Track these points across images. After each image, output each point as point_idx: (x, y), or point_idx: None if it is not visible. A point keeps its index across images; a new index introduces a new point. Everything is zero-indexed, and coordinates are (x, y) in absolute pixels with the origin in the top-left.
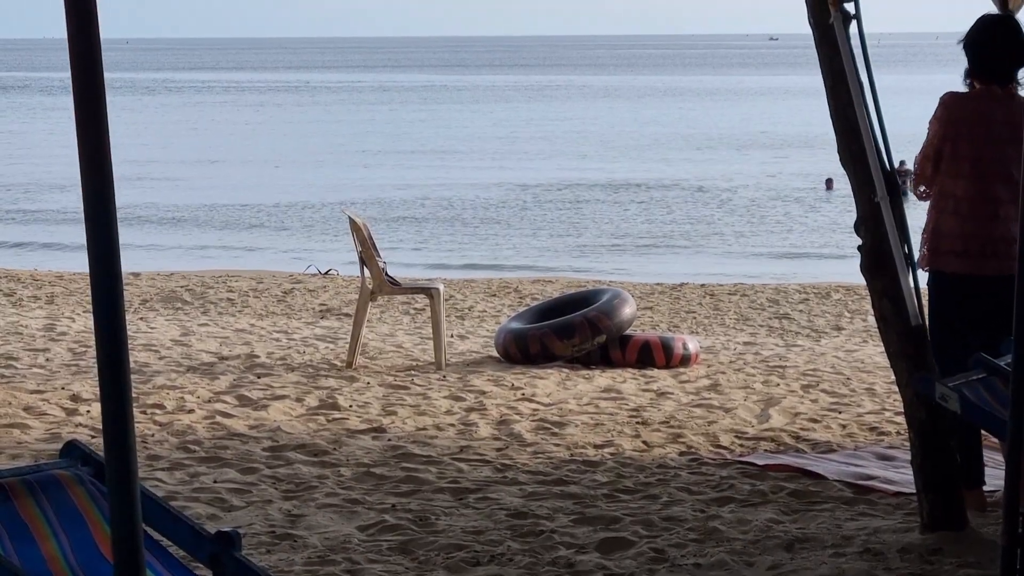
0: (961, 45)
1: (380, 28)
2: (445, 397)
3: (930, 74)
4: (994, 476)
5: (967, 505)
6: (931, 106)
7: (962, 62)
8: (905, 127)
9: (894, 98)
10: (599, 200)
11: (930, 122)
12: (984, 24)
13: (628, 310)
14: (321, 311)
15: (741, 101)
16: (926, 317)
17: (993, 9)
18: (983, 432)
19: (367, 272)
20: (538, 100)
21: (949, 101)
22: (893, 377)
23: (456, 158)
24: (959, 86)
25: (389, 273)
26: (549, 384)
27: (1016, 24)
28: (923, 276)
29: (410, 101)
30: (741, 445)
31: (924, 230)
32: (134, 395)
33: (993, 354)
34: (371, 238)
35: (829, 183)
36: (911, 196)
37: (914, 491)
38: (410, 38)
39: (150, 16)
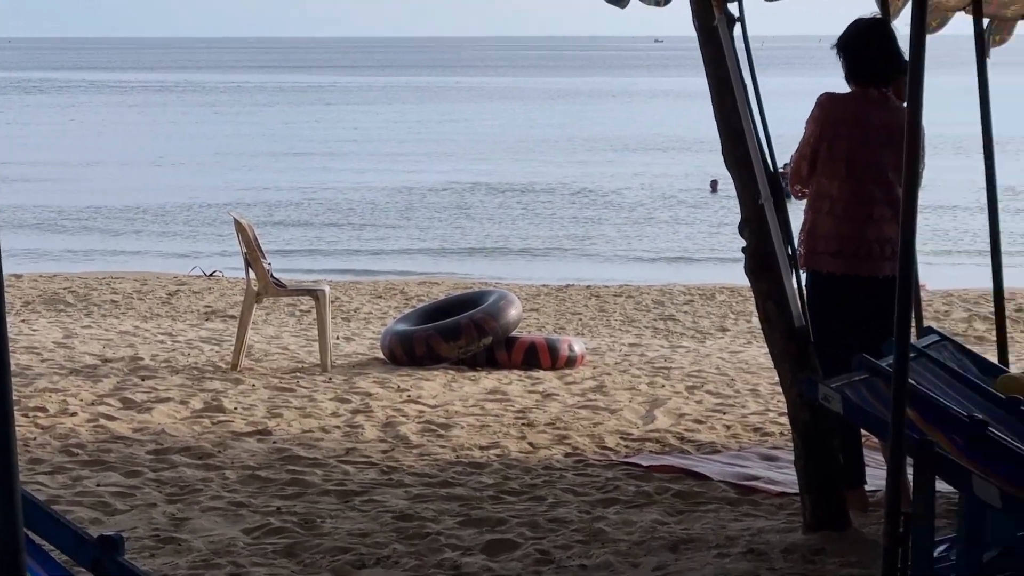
0: (835, 49)
1: (270, 28)
2: (331, 399)
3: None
4: (876, 476)
5: (849, 505)
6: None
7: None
8: (789, 129)
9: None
10: (486, 202)
11: (807, 122)
12: (858, 28)
13: (514, 312)
14: (206, 313)
15: (627, 103)
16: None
17: (876, 12)
18: (865, 433)
19: (252, 274)
20: (428, 101)
21: (826, 102)
22: (777, 378)
23: (344, 160)
24: (843, 89)
25: (274, 275)
26: (435, 386)
27: (889, 28)
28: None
29: (300, 102)
30: (626, 446)
31: (801, 230)
32: (15, 398)
33: (875, 355)
34: (256, 240)
35: (714, 185)
36: (793, 198)
37: (797, 491)
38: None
39: (34, 15)
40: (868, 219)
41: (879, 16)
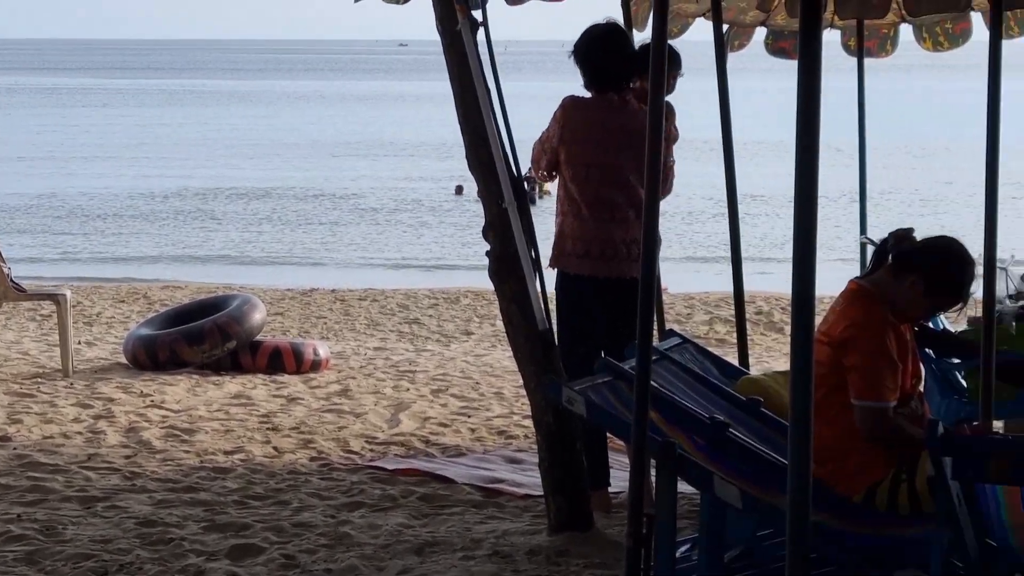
0: (572, 57)
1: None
2: (72, 405)
3: (557, 81)
4: (620, 478)
5: (593, 506)
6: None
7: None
8: (532, 134)
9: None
10: (228, 206)
11: (551, 119)
12: (592, 35)
13: (258, 316)
14: None
15: (371, 107)
16: (554, 322)
17: (611, 18)
18: (609, 435)
19: None
20: (166, 105)
21: (568, 105)
22: (521, 381)
23: (86, 164)
24: (559, 96)
25: (14, 279)
26: (179, 391)
27: (622, 33)
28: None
29: (40, 105)
30: (371, 450)
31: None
32: None
33: (619, 357)
34: None
35: (459, 189)
36: (538, 202)
37: (542, 494)
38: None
39: None
40: (611, 221)
41: (613, 21)
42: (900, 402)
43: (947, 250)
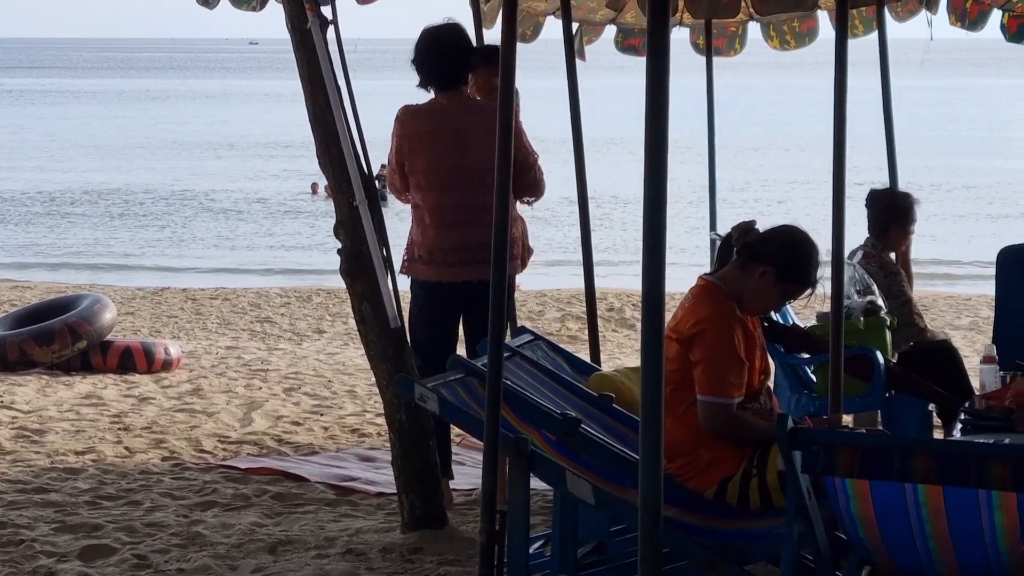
0: (412, 64)
1: None
2: None
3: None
4: (473, 475)
5: None
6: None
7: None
8: (383, 132)
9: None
10: (77, 206)
11: (391, 136)
12: (423, 38)
13: (109, 315)
14: None
15: (223, 105)
16: (406, 319)
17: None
18: (462, 432)
19: None
20: (13, 104)
21: (401, 116)
22: (374, 379)
23: None
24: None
25: None
26: (29, 391)
27: (455, 29)
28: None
29: None
30: (224, 449)
31: None
32: None
33: (472, 355)
34: None
35: (314, 187)
36: (391, 200)
37: (395, 491)
38: None
39: None
40: (454, 225)
41: (447, 21)
42: (748, 397)
43: (791, 237)
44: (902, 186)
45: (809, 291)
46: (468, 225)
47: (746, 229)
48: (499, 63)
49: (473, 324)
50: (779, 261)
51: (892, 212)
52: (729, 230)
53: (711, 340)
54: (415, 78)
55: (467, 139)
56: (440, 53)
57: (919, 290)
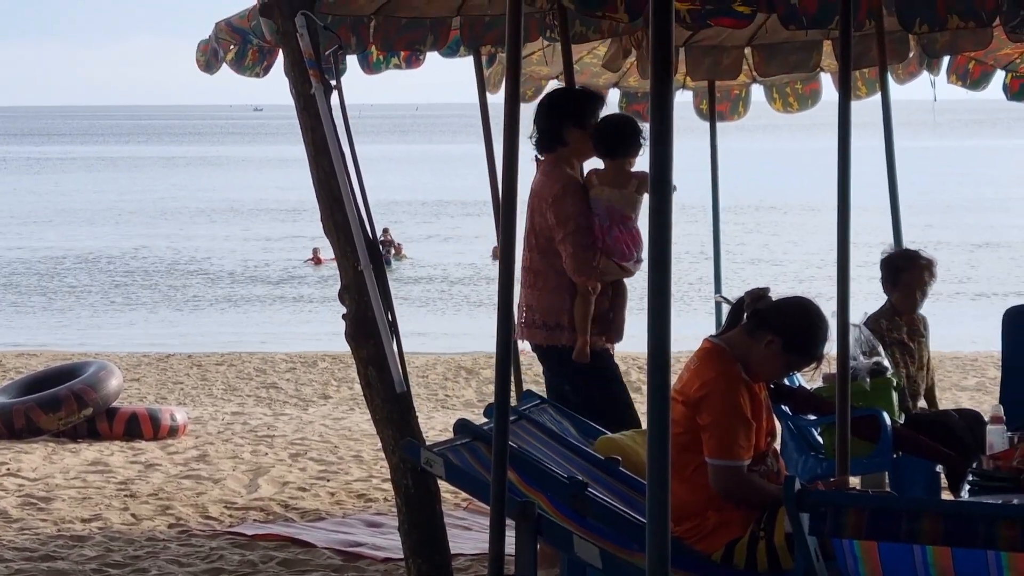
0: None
1: None
2: None
3: (410, 144)
4: (480, 539)
5: None
6: (413, 175)
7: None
8: (387, 196)
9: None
10: (79, 272)
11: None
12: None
13: (115, 382)
14: None
15: (227, 170)
16: (411, 384)
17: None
18: (469, 496)
19: None
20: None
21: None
22: (380, 444)
23: None
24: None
25: None
26: (35, 458)
27: (555, 95)
28: None
29: None
30: (231, 515)
31: None
32: None
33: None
34: None
35: (315, 252)
36: (394, 264)
37: (402, 556)
38: None
39: None
40: (529, 286)
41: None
42: (755, 460)
43: (802, 309)
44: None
45: (814, 365)
46: (531, 288)
47: (759, 295)
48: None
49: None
50: (788, 333)
51: (888, 272)
52: (742, 295)
53: (717, 403)
54: (417, 143)
55: (537, 202)
56: (537, 118)
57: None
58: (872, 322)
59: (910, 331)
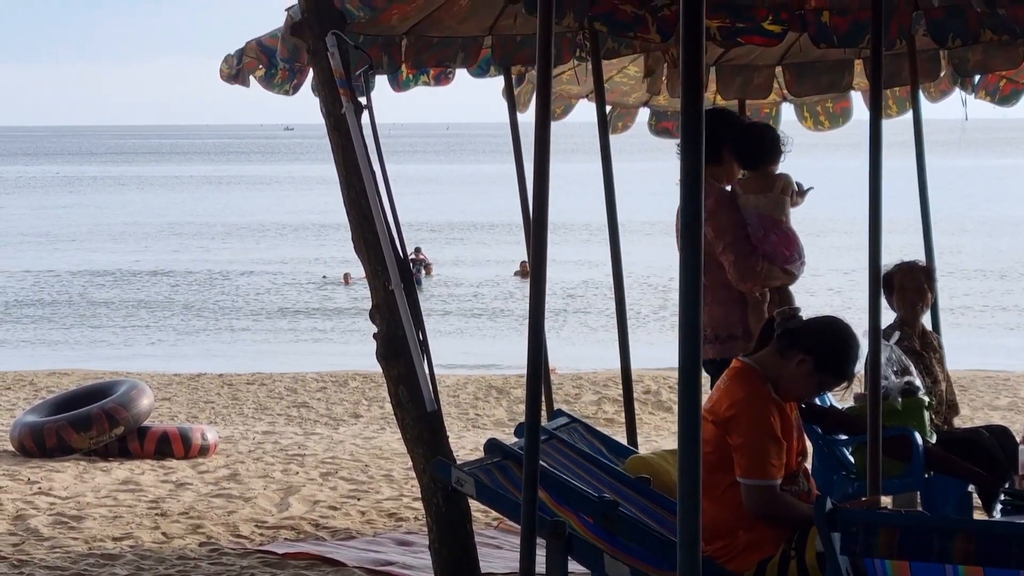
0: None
1: None
2: None
3: (442, 164)
4: (511, 559)
5: None
6: (444, 194)
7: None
8: (418, 216)
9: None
10: (111, 289)
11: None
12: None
13: (146, 401)
14: None
15: (258, 190)
16: (442, 403)
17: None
18: (499, 515)
19: None
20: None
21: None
22: (411, 463)
23: None
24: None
25: None
26: (66, 477)
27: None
28: None
29: None
30: (261, 534)
31: None
32: None
33: None
34: None
35: (347, 277)
36: (424, 283)
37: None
38: None
39: None
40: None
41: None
42: (786, 479)
43: (833, 329)
44: (939, 267)
45: (845, 384)
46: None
47: (790, 315)
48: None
49: None
50: (819, 352)
51: (885, 283)
52: (773, 314)
53: (747, 423)
54: (447, 163)
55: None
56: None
57: (955, 371)
58: (884, 336)
59: (922, 343)
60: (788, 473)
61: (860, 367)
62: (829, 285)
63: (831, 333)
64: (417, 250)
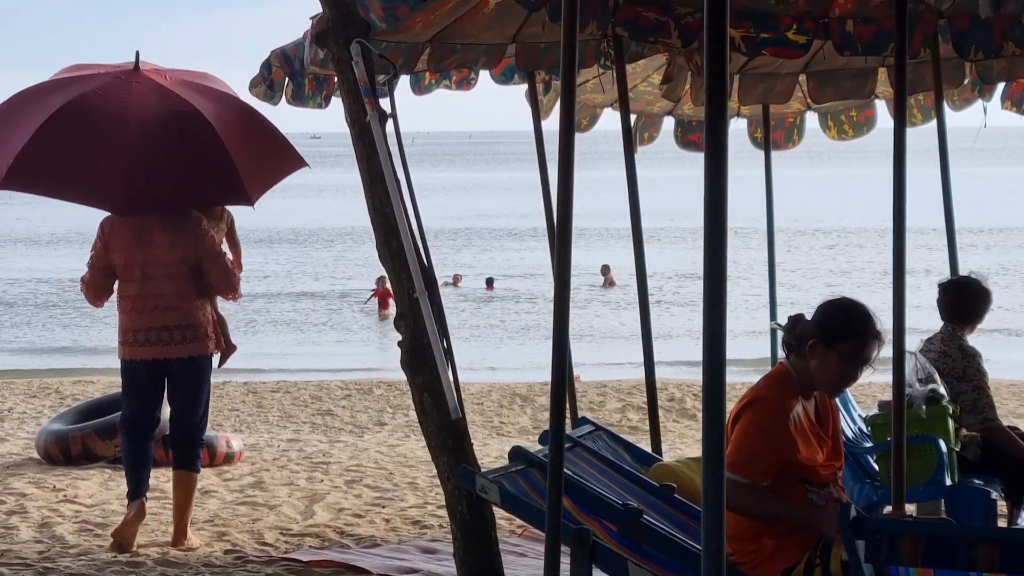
0: None
1: None
2: None
3: (465, 172)
4: (535, 566)
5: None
6: (470, 201)
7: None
8: (442, 223)
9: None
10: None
11: None
12: None
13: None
14: None
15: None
16: (466, 411)
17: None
18: (523, 523)
19: None
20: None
21: None
22: (435, 471)
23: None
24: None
25: None
26: (92, 485)
27: None
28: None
29: None
30: (286, 542)
31: None
32: None
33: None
34: None
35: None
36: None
37: None
38: None
39: None
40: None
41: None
42: (819, 486)
43: (825, 305)
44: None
45: (868, 344)
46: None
47: (796, 321)
48: None
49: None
50: (822, 327)
51: (973, 297)
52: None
53: (751, 417)
54: (470, 171)
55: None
56: None
57: None
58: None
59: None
60: (817, 481)
61: (883, 366)
62: (852, 292)
63: (825, 307)
64: (457, 276)
